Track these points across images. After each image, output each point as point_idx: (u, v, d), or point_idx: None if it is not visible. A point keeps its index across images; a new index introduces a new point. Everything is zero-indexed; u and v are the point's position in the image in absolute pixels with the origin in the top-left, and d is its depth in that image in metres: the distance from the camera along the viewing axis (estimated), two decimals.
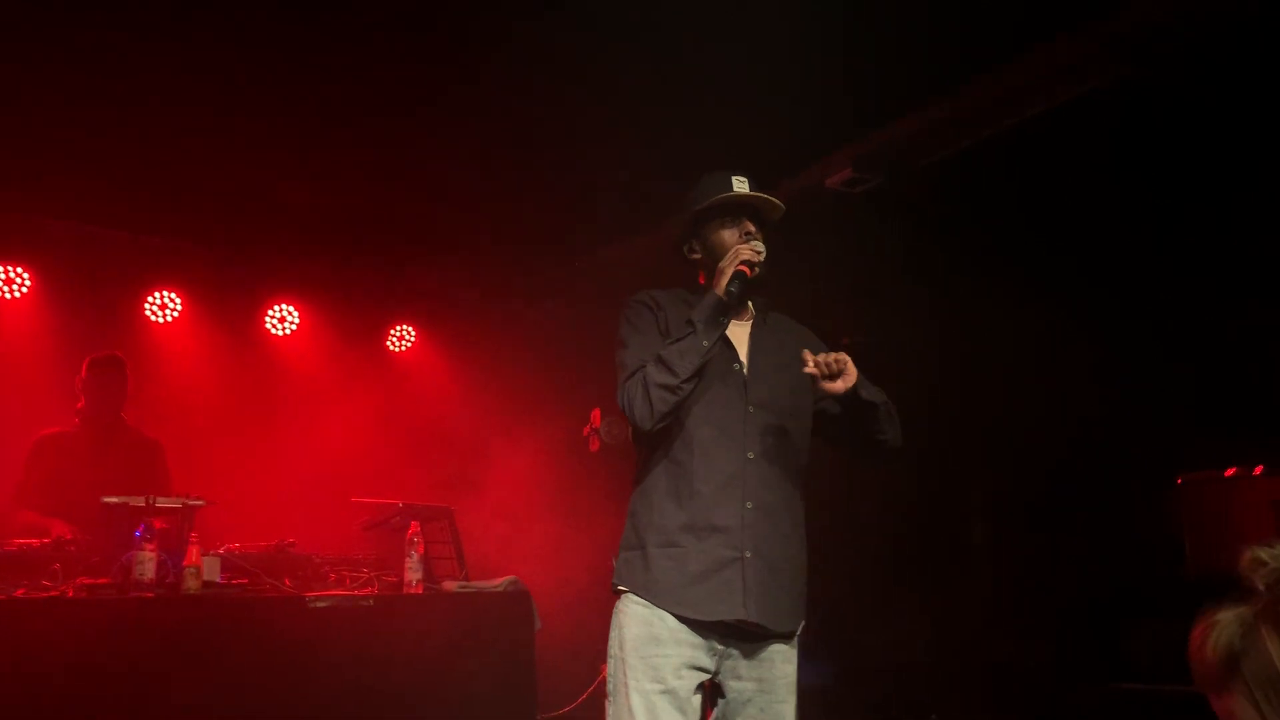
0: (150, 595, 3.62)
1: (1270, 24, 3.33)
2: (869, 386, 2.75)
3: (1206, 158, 3.94)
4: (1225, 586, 1.84)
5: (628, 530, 2.79)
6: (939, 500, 4.94)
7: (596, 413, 6.06)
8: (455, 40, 3.98)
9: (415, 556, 4.12)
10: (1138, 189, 4.18)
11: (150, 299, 6.21)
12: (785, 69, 3.98)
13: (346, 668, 3.83)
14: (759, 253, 2.71)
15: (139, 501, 3.88)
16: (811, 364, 2.62)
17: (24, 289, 5.87)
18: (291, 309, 6.62)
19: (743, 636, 2.64)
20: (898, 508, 4.90)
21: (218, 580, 3.87)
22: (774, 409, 2.77)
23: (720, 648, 2.63)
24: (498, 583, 4.38)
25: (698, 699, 2.64)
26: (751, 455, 2.69)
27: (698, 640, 2.61)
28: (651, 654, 2.60)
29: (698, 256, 2.88)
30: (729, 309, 2.71)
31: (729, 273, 2.69)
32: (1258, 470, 3.89)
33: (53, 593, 3.56)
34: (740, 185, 2.81)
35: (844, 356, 2.65)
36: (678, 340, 2.65)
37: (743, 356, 2.80)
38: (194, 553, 3.73)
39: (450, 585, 4.33)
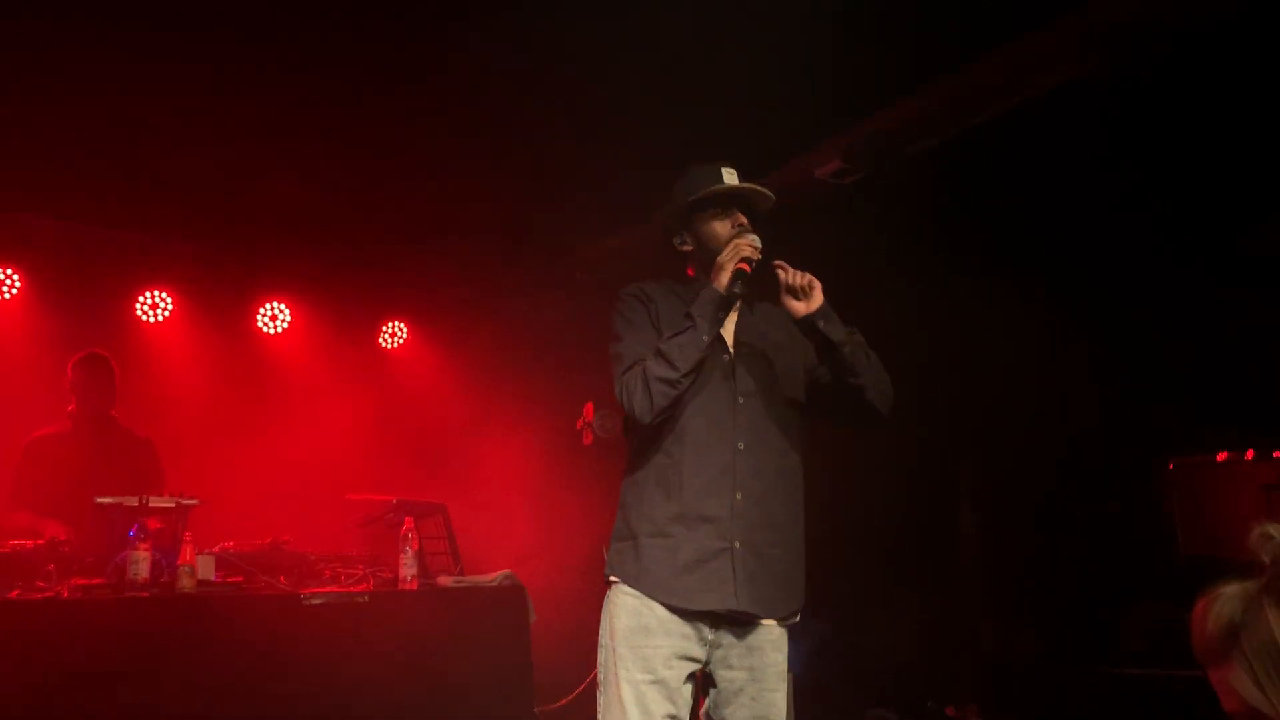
0: (145, 595, 3.62)
1: (1254, 11, 3.34)
2: (835, 323, 2.72)
3: (1195, 144, 3.96)
4: (1218, 570, 1.86)
5: (619, 521, 2.80)
6: (930, 489, 4.96)
7: (589, 406, 6.08)
8: (443, 33, 3.98)
9: (410, 552, 4.12)
10: (1127, 176, 4.19)
11: (141, 298, 6.20)
12: (774, 60, 3.98)
13: (343, 664, 3.84)
14: (757, 248, 2.72)
15: (132, 501, 3.87)
16: (778, 269, 2.68)
17: (13, 290, 5.86)
18: (283, 307, 6.62)
19: (733, 625, 2.65)
20: (889, 497, 4.92)
21: (212, 579, 3.87)
22: (763, 398, 2.77)
23: (711, 637, 2.64)
24: (492, 577, 4.38)
25: (688, 688, 2.65)
26: (742, 445, 2.70)
27: (688, 630, 2.62)
28: (641, 644, 2.61)
29: (689, 248, 2.89)
30: (729, 304, 2.72)
31: (729, 269, 2.69)
32: (1249, 454, 3.91)
33: (48, 594, 3.56)
34: (730, 176, 2.82)
35: (811, 278, 2.69)
36: (677, 334, 2.65)
37: (731, 346, 2.80)
38: (188, 552, 3.73)
39: (445, 580, 4.34)
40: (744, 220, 2.80)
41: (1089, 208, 4.32)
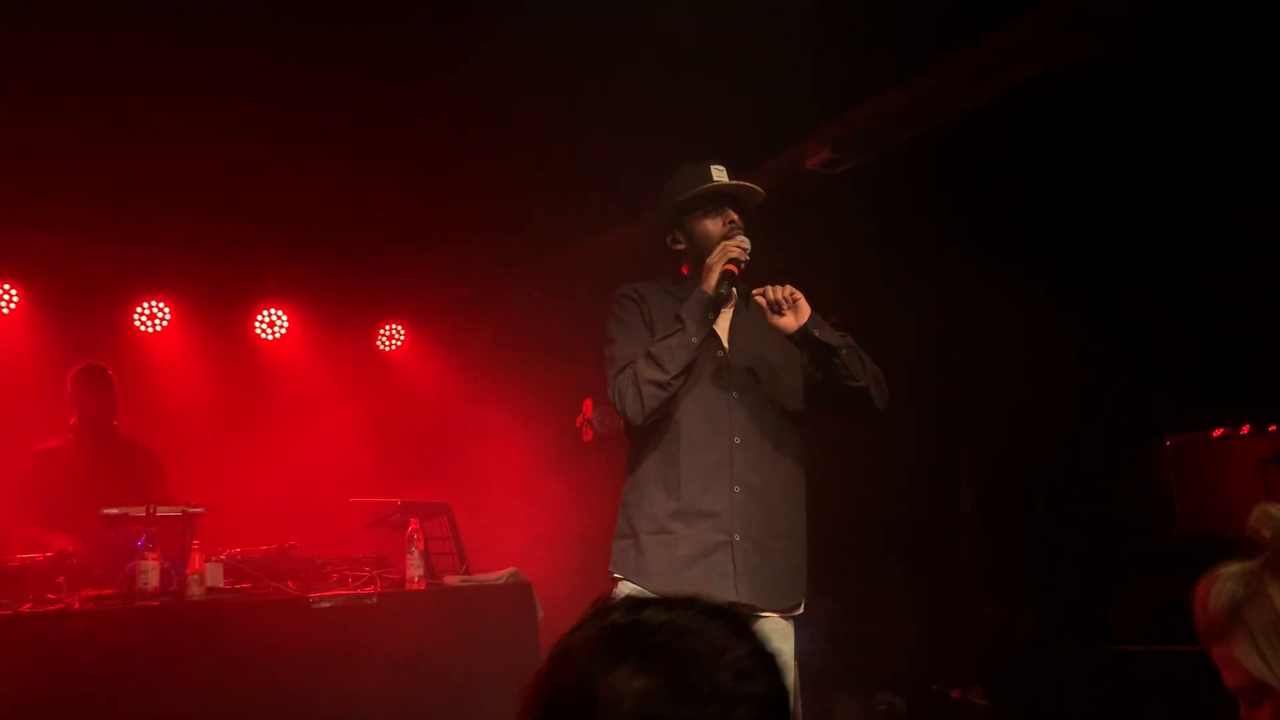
0: (155, 604, 3.64)
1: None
2: (826, 329, 2.76)
3: (1182, 123, 3.98)
4: (1216, 546, 1.88)
5: (621, 519, 2.83)
6: (929, 474, 4.98)
7: (588, 403, 6.10)
8: (434, 33, 3.99)
9: (416, 553, 4.15)
10: (1116, 158, 4.22)
11: (139, 309, 6.22)
12: (762, 52, 4.00)
13: (353, 666, 3.86)
14: (745, 249, 2.75)
15: (139, 512, 3.90)
16: (758, 297, 2.69)
17: (11, 304, 5.88)
18: (280, 313, 6.64)
19: None
20: (889, 485, 4.95)
21: (221, 585, 3.89)
22: (759, 393, 2.80)
23: None
24: (499, 575, 4.41)
25: None
26: (738, 440, 2.73)
27: None
28: None
29: (681, 247, 2.92)
30: (718, 305, 2.75)
31: (718, 271, 2.72)
32: (1245, 429, 3.94)
33: (58, 606, 3.58)
34: (719, 174, 2.85)
35: (792, 290, 2.71)
36: (667, 336, 2.69)
37: (725, 343, 2.83)
38: (197, 559, 3.76)
39: (452, 580, 4.36)
40: (735, 217, 2.83)
41: (1079, 191, 4.35)
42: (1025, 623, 4.45)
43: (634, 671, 1.00)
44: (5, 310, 5.86)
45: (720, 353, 2.82)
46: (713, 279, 2.73)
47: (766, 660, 1.09)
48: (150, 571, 3.66)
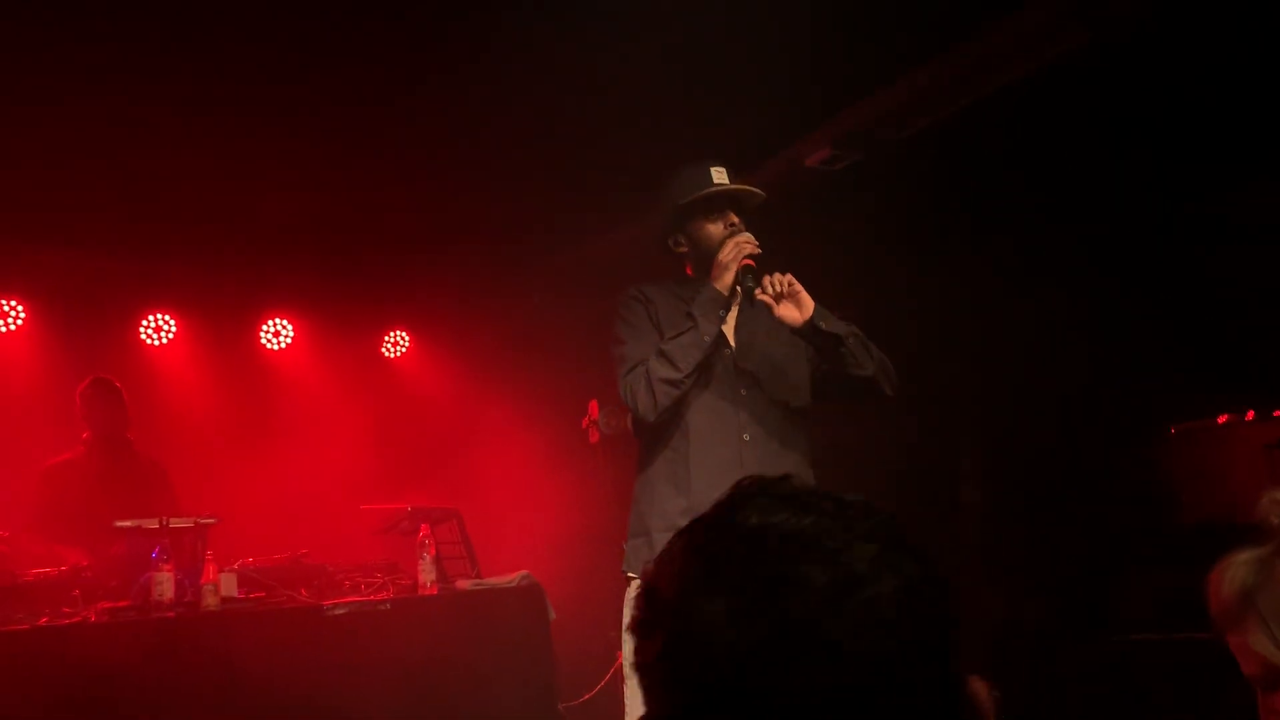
0: (171, 615, 3.67)
1: None
2: (831, 319, 2.78)
3: (1181, 109, 4.00)
4: (1222, 533, 1.90)
5: (633, 518, 2.86)
6: (930, 463, 5.00)
7: (594, 404, 6.11)
8: (434, 38, 4.01)
9: (428, 558, 4.17)
10: (1116, 149, 4.23)
11: (144, 322, 6.24)
12: (760, 51, 4.02)
13: (368, 671, 3.89)
14: (755, 244, 2.78)
15: (152, 524, 3.93)
16: (759, 294, 2.70)
17: (18, 320, 5.91)
18: (285, 323, 6.66)
19: None
20: (889, 473, 4.96)
21: (236, 595, 3.92)
22: (767, 389, 2.83)
23: None
24: (510, 578, 4.43)
25: None
26: (747, 437, 2.75)
27: None
28: None
29: (684, 250, 2.94)
30: (729, 303, 2.78)
31: (734, 269, 2.74)
32: (1249, 416, 3.96)
33: (75, 619, 3.61)
34: (719, 176, 2.86)
35: (790, 279, 2.72)
36: (679, 335, 2.71)
37: (731, 341, 2.86)
38: (211, 570, 3.79)
39: (464, 584, 4.39)
40: (735, 220, 2.85)
41: (1079, 184, 4.37)
42: (1030, 613, 4.47)
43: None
44: (12, 327, 5.88)
45: (727, 350, 2.84)
46: (728, 277, 2.75)
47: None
48: (165, 583, 3.69)
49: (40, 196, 5.21)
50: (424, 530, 4.24)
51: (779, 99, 4.41)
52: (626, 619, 2.77)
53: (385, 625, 4.00)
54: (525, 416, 6.46)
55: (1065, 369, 4.46)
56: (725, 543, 0.86)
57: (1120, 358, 4.30)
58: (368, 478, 6.03)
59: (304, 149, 4.95)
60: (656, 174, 3.06)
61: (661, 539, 2.71)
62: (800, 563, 0.82)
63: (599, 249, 6.18)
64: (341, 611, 3.94)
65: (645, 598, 0.89)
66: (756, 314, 2.92)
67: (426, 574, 4.16)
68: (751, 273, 2.75)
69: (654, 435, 2.82)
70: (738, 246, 2.76)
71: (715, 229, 2.85)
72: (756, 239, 2.83)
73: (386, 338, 7.07)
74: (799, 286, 2.74)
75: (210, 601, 3.76)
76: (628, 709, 2.75)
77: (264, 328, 6.62)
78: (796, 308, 2.73)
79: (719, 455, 2.74)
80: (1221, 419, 4.04)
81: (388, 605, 4.06)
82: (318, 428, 6.37)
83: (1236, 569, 1.77)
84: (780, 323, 2.88)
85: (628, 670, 2.75)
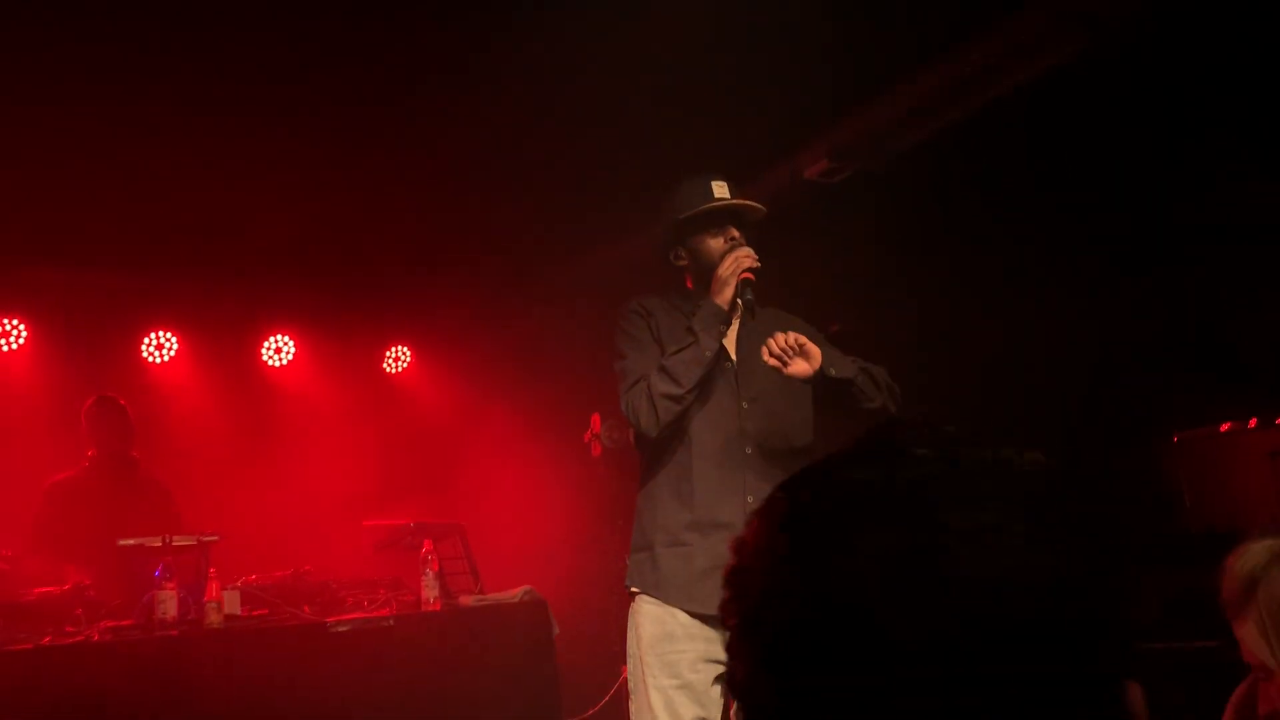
0: (175, 633, 3.67)
1: None
2: (841, 362, 2.80)
3: (1184, 118, 4.01)
4: (1226, 540, 1.90)
5: (636, 532, 2.86)
6: None
7: (596, 418, 6.11)
8: (435, 55, 4.03)
9: (430, 574, 4.17)
10: (1117, 155, 4.24)
11: (146, 340, 6.25)
12: (757, 64, 4.03)
13: (372, 688, 3.89)
14: (755, 258, 2.78)
15: (155, 542, 3.93)
16: (767, 356, 2.68)
17: (20, 340, 5.91)
18: (287, 339, 6.67)
19: None
20: None
21: (239, 613, 3.92)
22: (768, 401, 2.83)
23: None
24: (513, 593, 4.43)
25: (716, 690, 2.71)
26: (749, 450, 2.76)
27: (711, 634, 2.68)
28: (667, 650, 2.67)
29: (684, 263, 2.95)
30: (730, 317, 2.78)
31: (733, 284, 2.75)
32: (1252, 423, 3.95)
33: (78, 638, 3.61)
34: (720, 190, 2.87)
35: (798, 337, 2.70)
36: (680, 350, 2.71)
37: (733, 354, 2.86)
38: (214, 588, 3.79)
39: (467, 599, 4.38)
40: (736, 234, 2.86)
41: (1079, 186, 4.37)
42: None
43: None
44: (14, 345, 5.89)
45: (728, 363, 2.84)
46: (728, 291, 2.75)
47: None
48: (168, 601, 3.69)
49: (40, 214, 5.22)
50: (427, 546, 4.24)
51: (777, 111, 4.42)
52: (631, 635, 2.77)
53: (389, 642, 3.99)
54: (527, 430, 6.46)
55: (1066, 377, 4.46)
56: (808, 495, 0.77)
57: (1122, 365, 4.30)
58: (370, 493, 6.03)
59: (305, 165, 4.95)
60: (657, 186, 3.07)
61: (665, 553, 2.72)
62: (872, 527, 0.69)
63: (600, 262, 6.19)
64: (345, 628, 3.94)
65: (737, 548, 0.83)
66: (758, 327, 2.92)
67: (429, 590, 4.16)
68: (751, 286, 2.76)
69: (656, 449, 2.82)
70: (737, 261, 2.77)
71: (715, 243, 2.86)
72: (756, 252, 2.83)
73: (388, 353, 7.07)
74: (805, 341, 2.73)
75: (213, 619, 3.75)
76: None
77: (265, 344, 6.62)
78: (806, 361, 2.72)
79: (722, 468, 2.75)
80: (1224, 427, 4.03)
81: (391, 621, 4.05)
82: (320, 444, 6.37)
83: (1248, 557, 1.78)
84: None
85: (632, 685, 2.75)
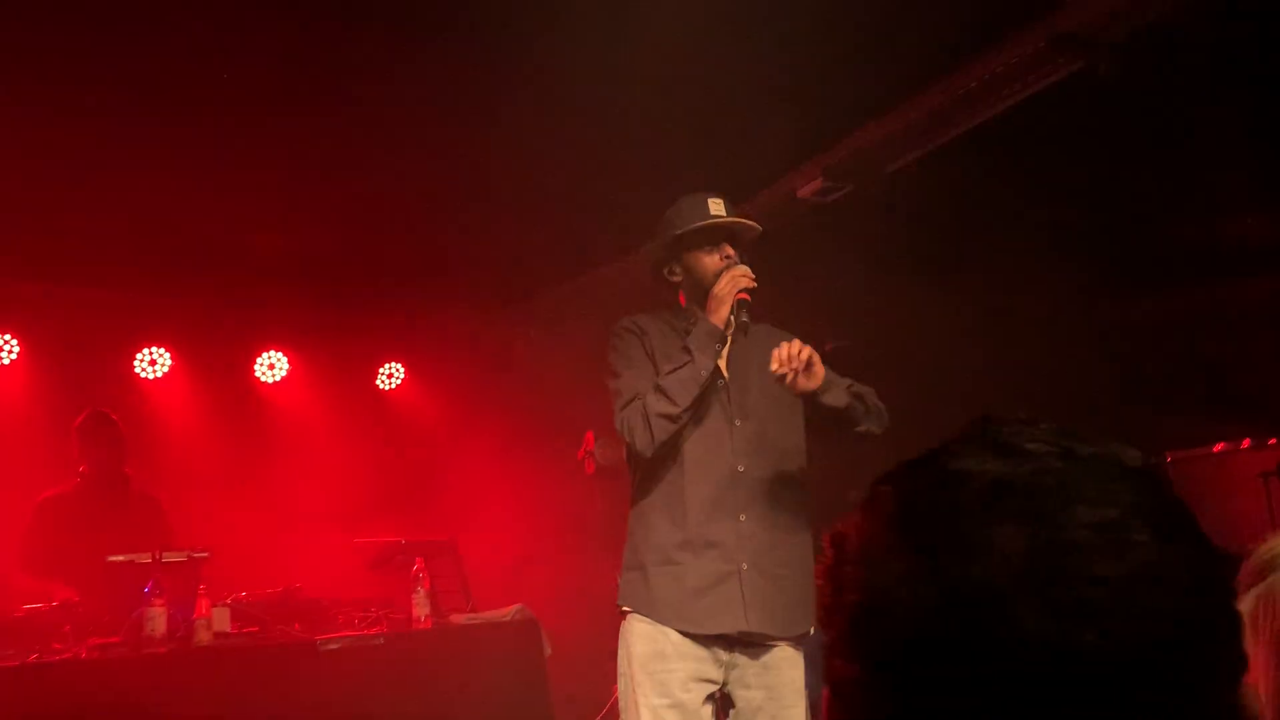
0: (163, 650, 3.64)
1: (1205, 18, 3.42)
2: (835, 388, 2.78)
3: (1177, 141, 4.02)
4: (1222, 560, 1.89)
5: (627, 551, 2.85)
6: None
7: (590, 435, 6.10)
8: (428, 77, 4.04)
9: (422, 592, 4.15)
10: (1110, 176, 4.25)
11: (139, 356, 6.23)
12: (753, 85, 4.05)
13: (361, 707, 3.86)
14: (751, 276, 2.78)
15: (145, 558, 3.90)
16: (776, 365, 2.66)
17: (12, 355, 5.89)
18: (280, 355, 6.65)
19: (747, 646, 2.69)
20: None
21: (228, 630, 3.89)
22: (760, 419, 2.83)
23: (726, 658, 2.69)
24: (505, 612, 4.40)
25: (708, 709, 2.69)
26: (741, 468, 2.75)
27: (703, 653, 2.67)
28: (658, 669, 2.65)
29: (678, 279, 2.94)
30: (725, 336, 2.78)
31: (729, 302, 2.74)
32: (1245, 444, 3.96)
33: (65, 655, 3.58)
34: (717, 208, 2.87)
35: (810, 352, 2.67)
36: (676, 369, 2.71)
37: (725, 372, 2.86)
38: (203, 605, 3.76)
39: (458, 618, 4.36)
40: (731, 252, 2.86)
41: (1071, 208, 4.38)
42: None
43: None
44: (6, 361, 5.87)
45: (720, 382, 2.84)
46: (724, 310, 2.75)
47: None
48: (157, 618, 3.66)
49: (33, 229, 5.21)
50: (418, 563, 4.22)
51: (772, 131, 4.43)
52: (622, 653, 2.76)
53: (379, 660, 3.97)
54: (521, 448, 6.44)
55: (1059, 396, 4.46)
56: (920, 488, 0.75)
57: (1116, 385, 4.30)
58: (363, 510, 6.00)
59: (299, 181, 4.96)
60: (652, 205, 3.07)
61: (656, 572, 2.71)
62: (996, 521, 0.68)
63: (594, 280, 6.20)
64: (335, 646, 3.91)
65: (834, 542, 0.79)
66: (750, 345, 2.92)
67: (420, 608, 4.13)
68: (746, 306, 2.76)
69: (648, 467, 2.82)
70: (733, 280, 2.77)
71: (711, 261, 2.86)
72: (752, 271, 2.83)
73: (381, 370, 7.05)
74: (815, 357, 2.71)
75: (203, 637, 3.73)
76: None
77: (259, 360, 6.60)
78: (808, 379, 2.70)
79: (713, 486, 2.74)
80: (1217, 447, 4.03)
81: (381, 640, 4.03)
82: (312, 460, 6.34)
83: (1266, 549, 1.76)
84: (771, 351, 2.88)
85: (623, 704, 2.73)
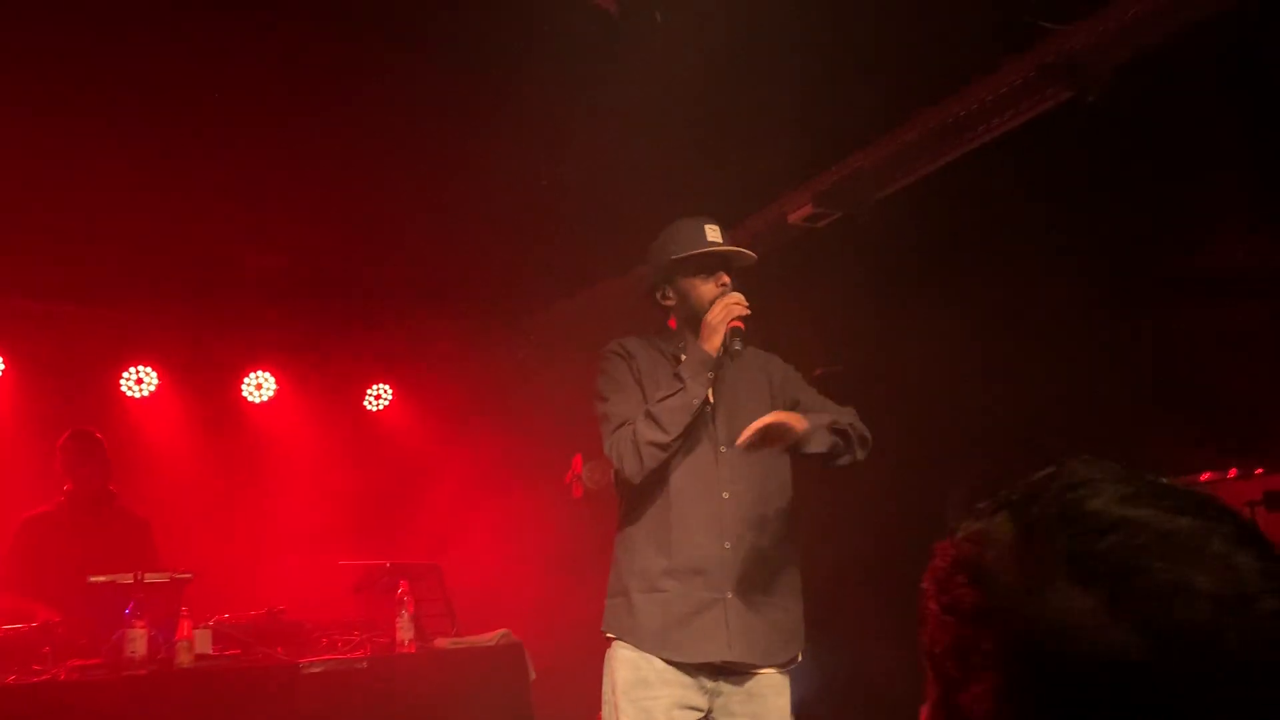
0: (143, 673, 3.60)
1: (1197, 44, 3.44)
2: (818, 435, 2.74)
3: (1160, 168, 4.04)
4: None
5: (613, 577, 2.83)
6: (915, 518, 4.98)
7: (578, 459, 6.09)
8: (419, 98, 4.04)
9: (406, 615, 4.12)
10: (1096, 203, 4.27)
11: (125, 374, 6.20)
12: (743, 112, 4.07)
13: None
14: (746, 305, 2.78)
15: (126, 579, 3.87)
16: (742, 441, 2.62)
17: None
18: (268, 375, 6.63)
19: (731, 673, 2.68)
20: (873, 522, 4.94)
21: (210, 652, 3.86)
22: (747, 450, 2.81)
23: (711, 685, 2.67)
24: (490, 636, 4.38)
25: None
26: (727, 495, 2.74)
27: (687, 680, 2.65)
28: (641, 697, 2.64)
29: (671, 303, 2.94)
30: (718, 365, 2.77)
31: (723, 331, 2.74)
32: (1232, 473, 3.96)
33: (44, 676, 3.54)
34: (713, 234, 2.87)
35: (762, 423, 2.61)
36: (667, 397, 2.70)
37: (710, 398, 2.85)
38: (185, 626, 3.72)
39: (442, 642, 4.33)
40: (727, 280, 2.85)
41: (1060, 234, 4.40)
42: None
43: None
44: None
45: (707, 407, 2.83)
46: (717, 339, 2.74)
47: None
48: (138, 640, 3.63)
49: (19, 246, 5.19)
50: (403, 586, 4.19)
51: (764, 157, 4.45)
52: (606, 680, 2.73)
53: (362, 684, 3.93)
54: (508, 471, 6.42)
55: (1049, 424, 4.46)
56: (1085, 532, 0.77)
57: (1103, 413, 4.30)
58: (348, 532, 5.97)
59: (289, 201, 4.96)
60: (644, 229, 3.07)
61: (641, 599, 2.69)
62: (1185, 567, 0.73)
63: (584, 303, 6.20)
64: (317, 670, 3.88)
65: (978, 578, 0.81)
66: (735, 372, 2.91)
67: (404, 632, 4.10)
68: (740, 335, 2.75)
69: (635, 493, 2.81)
70: (728, 308, 2.76)
71: (706, 288, 2.85)
72: (745, 297, 2.83)
73: (369, 391, 7.04)
74: (769, 424, 2.63)
75: (184, 659, 3.69)
76: None
77: (246, 380, 6.59)
78: (784, 438, 2.67)
79: (699, 513, 2.73)
80: (1204, 476, 4.03)
81: (365, 664, 3.99)
82: (299, 481, 6.32)
83: None
84: (758, 377, 2.88)
85: None
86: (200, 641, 3.81)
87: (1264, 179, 3.73)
